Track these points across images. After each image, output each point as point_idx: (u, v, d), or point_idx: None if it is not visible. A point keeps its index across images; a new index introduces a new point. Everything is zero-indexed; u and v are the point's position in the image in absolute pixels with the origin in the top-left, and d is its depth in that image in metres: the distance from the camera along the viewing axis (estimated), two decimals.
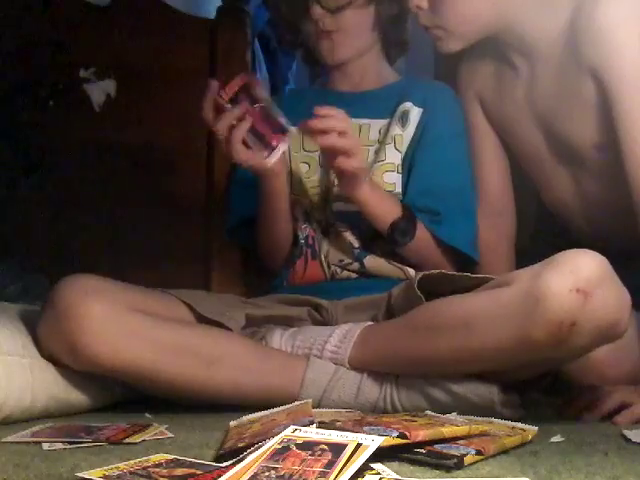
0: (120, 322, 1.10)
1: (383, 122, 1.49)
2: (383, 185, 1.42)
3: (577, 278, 0.97)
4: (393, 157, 1.46)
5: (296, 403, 1.00)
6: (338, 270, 1.43)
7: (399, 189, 1.44)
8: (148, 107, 1.78)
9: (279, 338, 1.25)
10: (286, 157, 1.43)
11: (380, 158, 1.46)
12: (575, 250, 1.02)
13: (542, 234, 1.65)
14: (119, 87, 1.78)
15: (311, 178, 1.48)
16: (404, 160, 1.46)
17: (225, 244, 1.65)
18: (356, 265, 1.42)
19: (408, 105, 1.48)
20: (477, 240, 1.46)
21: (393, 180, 1.44)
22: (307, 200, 1.47)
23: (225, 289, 1.64)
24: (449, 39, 1.40)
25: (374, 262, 1.42)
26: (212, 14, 1.87)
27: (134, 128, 1.78)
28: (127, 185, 1.77)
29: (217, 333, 1.19)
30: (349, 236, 1.43)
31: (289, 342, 1.23)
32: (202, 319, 1.22)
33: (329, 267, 1.43)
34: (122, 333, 1.10)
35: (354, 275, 1.43)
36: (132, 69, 1.79)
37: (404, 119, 1.47)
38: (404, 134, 1.47)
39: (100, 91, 1.77)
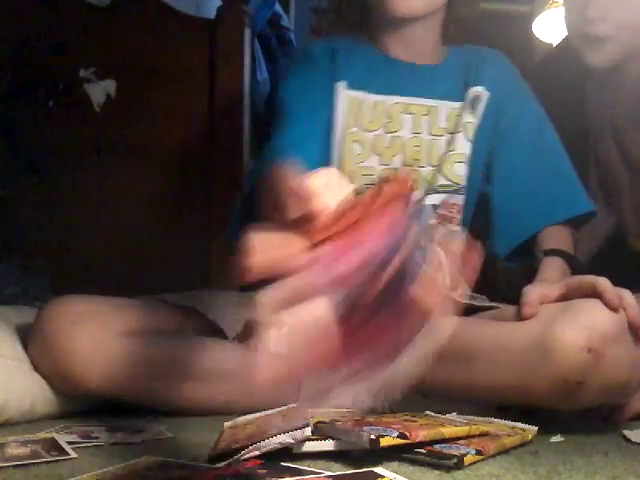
0: (110, 348, 1.06)
1: (451, 105, 1.32)
2: (452, 177, 1.29)
3: (591, 335, 0.90)
4: (464, 147, 1.30)
5: (292, 405, 0.99)
6: None
7: (465, 182, 1.30)
8: (148, 107, 1.79)
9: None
10: None
11: (451, 147, 1.30)
12: (594, 301, 0.94)
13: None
14: (119, 87, 1.78)
15: None
16: (472, 150, 1.31)
17: (225, 244, 1.65)
18: None
19: (479, 90, 1.32)
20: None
21: (463, 172, 1.30)
22: None
23: (225, 289, 1.64)
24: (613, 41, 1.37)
25: None
26: (212, 14, 1.87)
27: (134, 128, 1.78)
28: (127, 185, 1.77)
29: (212, 347, 1.16)
30: None
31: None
32: (200, 323, 1.21)
33: None
34: (113, 359, 1.06)
35: None
36: (132, 69, 1.80)
37: (474, 105, 1.32)
38: (474, 121, 1.32)
39: (100, 91, 1.77)
